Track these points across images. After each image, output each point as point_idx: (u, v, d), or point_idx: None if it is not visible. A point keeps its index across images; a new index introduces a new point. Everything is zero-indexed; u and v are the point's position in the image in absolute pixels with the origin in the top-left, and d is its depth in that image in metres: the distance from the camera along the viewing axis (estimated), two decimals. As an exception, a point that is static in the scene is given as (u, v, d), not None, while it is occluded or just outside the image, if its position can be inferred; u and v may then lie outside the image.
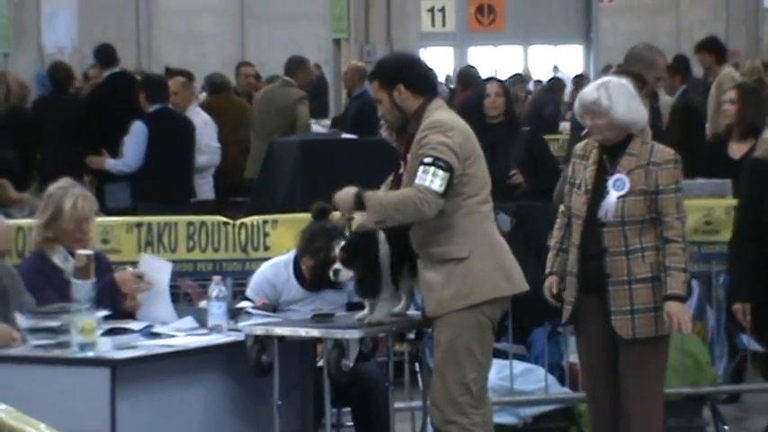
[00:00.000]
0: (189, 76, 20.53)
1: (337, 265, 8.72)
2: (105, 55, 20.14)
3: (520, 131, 14.42)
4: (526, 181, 13.97)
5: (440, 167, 8.51)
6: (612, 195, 9.20)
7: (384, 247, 8.81)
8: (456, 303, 8.78)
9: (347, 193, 8.88)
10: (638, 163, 9.30)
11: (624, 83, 9.68)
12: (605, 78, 9.99)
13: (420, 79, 9.15)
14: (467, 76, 23.81)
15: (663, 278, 9.28)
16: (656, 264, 9.28)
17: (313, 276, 9.94)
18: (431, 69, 9.91)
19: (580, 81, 23.00)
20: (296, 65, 20.44)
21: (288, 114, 18.72)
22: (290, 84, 19.64)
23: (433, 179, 8.50)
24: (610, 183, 9.25)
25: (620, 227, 9.24)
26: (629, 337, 9.26)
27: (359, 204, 8.80)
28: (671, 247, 9.26)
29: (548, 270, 9.57)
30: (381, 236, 8.89)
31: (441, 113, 9.07)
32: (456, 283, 8.80)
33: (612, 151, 9.37)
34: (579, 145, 9.78)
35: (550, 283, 9.56)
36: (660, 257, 9.29)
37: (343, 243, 8.85)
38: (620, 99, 9.32)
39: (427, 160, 8.57)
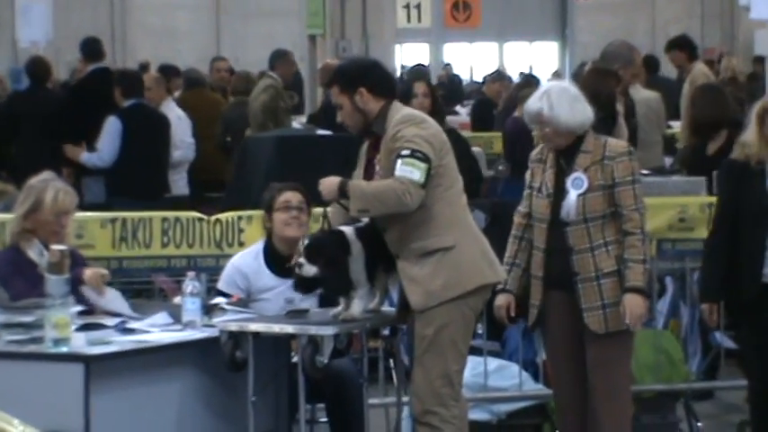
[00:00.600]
0: (176, 73, 20.64)
1: (301, 260, 8.78)
2: (91, 49, 20.14)
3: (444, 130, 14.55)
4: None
5: (418, 158, 8.59)
6: (572, 194, 9.31)
7: (356, 246, 8.79)
8: (447, 293, 8.82)
9: (331, 181, 8.97)
10: (593, 159, 9.43)
11: (566, 87, 9.91)
12: (547, 86, 10.14)
13: (381, 81, 9.23)
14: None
15: (627, 269, 9.31)
16: (620, 256, 9.39)
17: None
18: (390, 72, 9.98)
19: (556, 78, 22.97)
20: (278, 57, 20.46)
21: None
22: (269, 76, 19.63)
23: (413, 170, 8.56)
24: (568, 182, 9.36)
25: (583, 224, 9.35)
26: (602, 332, 9.34)
27: (342, 192, 8.81)
28: (629, 240, 9.38)
29: (500, 287, 9.55)
30: (352, 235, 8.90)
31: (407, 110, 9.18)
32: (445, 272, 8.85)
33: (568, 152, 9.48)
34: (536, 150, 9.88)
35: (507, 302, 9.59)
36: (618, 249, 9.40)
37: (307, 240, 8.86)
38: (563, 105, 9.44)
39: (405, 152, 8.62)
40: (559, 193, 9.36)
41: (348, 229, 8.91)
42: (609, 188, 9.35)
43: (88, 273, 9.44)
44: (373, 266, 8.92)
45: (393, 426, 10.16)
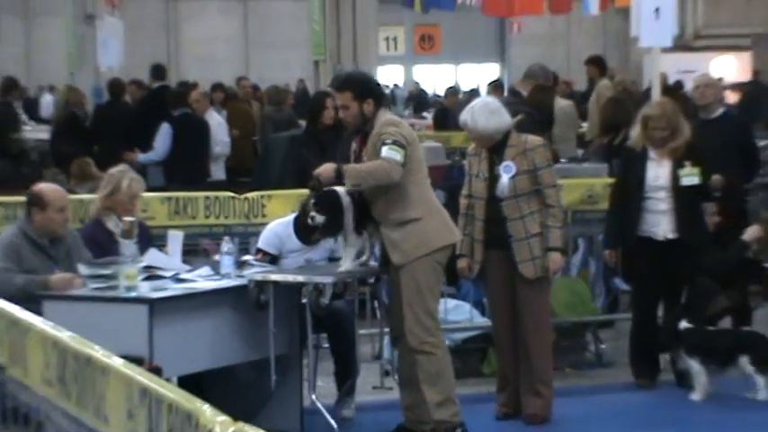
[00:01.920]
0: (221, 89, 20.68)
1: (312, 213, 8.75)
2: (157, 72, 20.24)
3: (344, 134, 14.54)
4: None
5: (398, 145, 8.57)
6: (504, 178, 9.36)
7: (346, 200, 8.83)
8: (418, 252, 8.79)
9: (327, 167, 8.93)
10: (517, 151, 9.46)
11: (488, 102, 9.93)
12: (474, 102, 10.01)
13: (380, 95, 9.23)
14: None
15: (547, 232, 9.48)
16: (543, 223, 9.44)
17: (300, 227, 9.99)
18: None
19: (494, 85, 22.96)
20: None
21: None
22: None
23: (395, 153, 8.55)
24: (501, 169, 9.39)
25: (514, 199, 9.38)
26: (533, 277, 9.41)
27: (338, 177, 8.84)
28: (550, 211, 9.48)
29: (458, 252, 9.56)
30: (343, 192, 8.90)
31: (389, 115, 9.17)
32: (415, 237, 8.81)
33: (497, 147, 9.48)
34: (472, 146, 9.90)
35: (466, 264, 9.67)
36: (541, 217, 9.46)
37: (314, 198, 8.91)
38: (481, 117, 9.48)
39: (389, 140, 8.61)
40: (493, 177, 9.41)
41: (340, 189, 8.86)
42: (532, 172, 9.40)
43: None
44: (363, 223, 8.94)
45: (377, 350, 10.18)
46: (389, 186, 8.77)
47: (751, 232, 10.80)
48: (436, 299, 9.16)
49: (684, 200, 10.40)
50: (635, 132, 10.84)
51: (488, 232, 9.54)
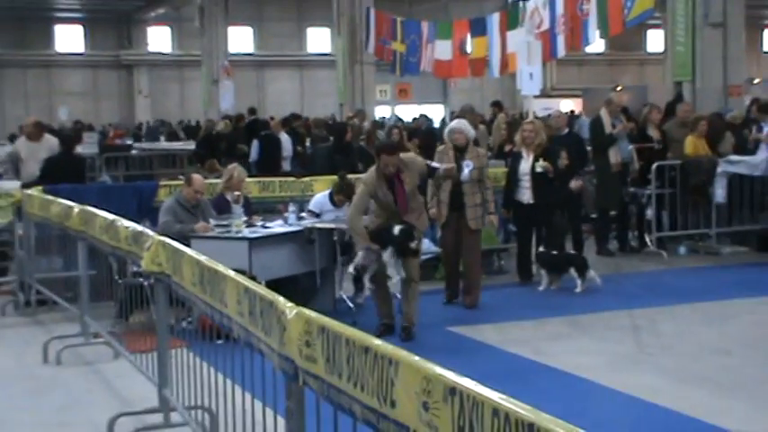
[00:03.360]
0: (297, 118, 20.65)
1: (413, 243, 8.07)
2: (251, 110, 20.29)
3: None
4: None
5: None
6: (466, 170, 9.22)
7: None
8: (423, 226, 8.43)
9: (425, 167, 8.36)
10: (472, 155, 9.35)
11: (464, 122, 9.85)
12: (458, 121, 9.99)
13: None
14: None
15: (485, 204, 9.45)
16: (483, 197, 9.37)
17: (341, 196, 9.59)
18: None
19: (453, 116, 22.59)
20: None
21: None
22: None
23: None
24: (464, 165, 9.24)
25: (470, 183, 9.25)
26: (475, 228, 9.35)
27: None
28: (488, 191, 9.44)
29: (429, 205, 9.30)
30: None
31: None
32: (423, 217, 8.27)
33: (460, 150, 9.33)
34: (440, 148, 9.65)
35: (438, 211, 9.39)
36: (483, 195, 9.39)
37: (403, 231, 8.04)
38: (468, 127, 9.56)
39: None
40: (458, 168, 9.19)
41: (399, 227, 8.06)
42: (480, 168, 9.32)
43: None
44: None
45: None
46: None
47: (574, 184, 10.98)
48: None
49: (538, 180, 10.33)
50: (518, 138, 10.81)
51: (452, 200, 9.34)
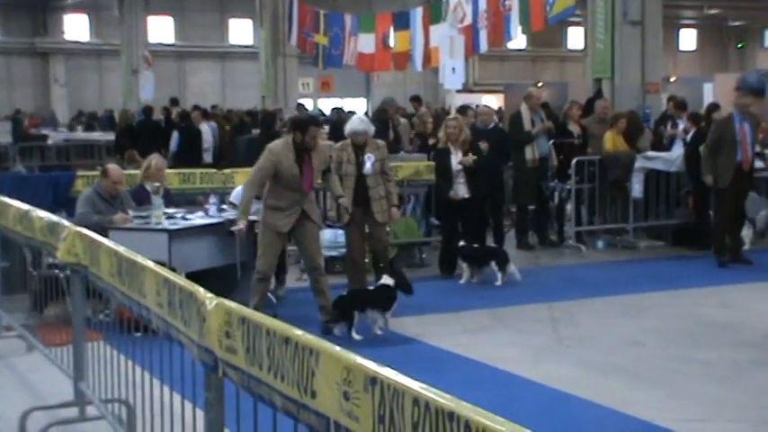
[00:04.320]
0: (206, 110, 20.37)
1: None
2: (173, 101, 20.02)
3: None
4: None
5: None
6: (368, 163, 8.99)
7: None
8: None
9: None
10: (373, 148, 9.09)
11: (367, 121, 9.54)
12: (359, 117, 9.79)
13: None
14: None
15: (389, 196, 9.22)
16: (386, 189, 9.15)
17: None
18: None
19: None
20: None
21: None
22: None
23: None
24: (366, 158, 9.01)
25: (373, 176, 9.03)
26: (382, 221, 9.14)
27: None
28: (390, 183, 9.21)
29: (337, 195, 9.01)
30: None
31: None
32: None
33: (360, 146, 9.06)
34: (338, 145, 9.48)
35: (343, 203, 9.06)
36: (386, 187, 9.17)
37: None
38: (370, 127, 9.30)
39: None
40: (359, 163, 9.03)
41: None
42: (382, 161, 9.08)
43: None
44: None
45: (298, 258, 10.14)
46: None
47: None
48: None
49: (471, 175, 10.39)
50: (441, 134, 10.83)
51: (356, 195, 9.10)
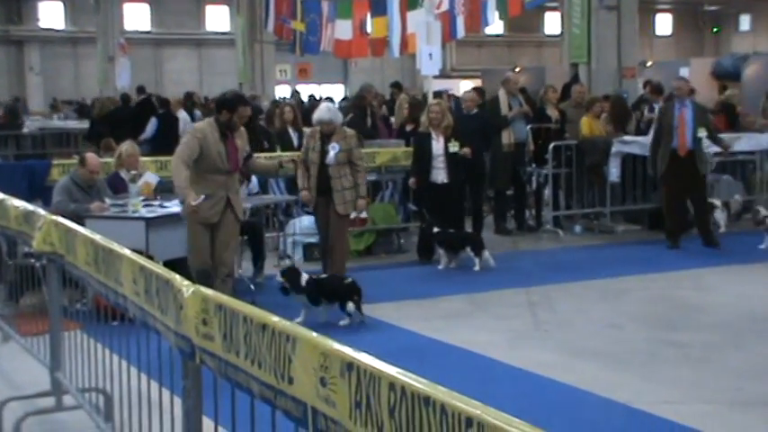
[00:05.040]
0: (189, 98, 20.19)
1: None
2: (141, 90, 19.82)
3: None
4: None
5: None
6: (332, 153, 8.81)
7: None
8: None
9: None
10: (340, 137, 8.89)
11: (330, 106, 9.48)
12: (328, 105, 9.70)
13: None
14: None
15: (356, 187, 9.03)
16: (353, 180, 8.94)
17: None
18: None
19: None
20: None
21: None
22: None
23: None
24: (330, 147, 8.84)
25: (337, 166, 8.85)
26: (343, 213, 8.95)
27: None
28: (359, 174, 9.00)
29: (303, 187, 9.06)
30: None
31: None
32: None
33: (327, 134, 8.92)
34: (308, 131, 9.40)
35: (307, 195, 9.06)
36: (354, 178, 8.99)
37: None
38: (333, 113, 9.10)
39: None
40: (324, 152, 8.89)
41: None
42: (348, 150, 8.88)
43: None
44: None
45: (276, 245, 10.14)
46: None
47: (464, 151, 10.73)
48: None
49: (451, 160, 10.43)
50: (424, 119, 10.78)
51: (319, 185, 8.96)
